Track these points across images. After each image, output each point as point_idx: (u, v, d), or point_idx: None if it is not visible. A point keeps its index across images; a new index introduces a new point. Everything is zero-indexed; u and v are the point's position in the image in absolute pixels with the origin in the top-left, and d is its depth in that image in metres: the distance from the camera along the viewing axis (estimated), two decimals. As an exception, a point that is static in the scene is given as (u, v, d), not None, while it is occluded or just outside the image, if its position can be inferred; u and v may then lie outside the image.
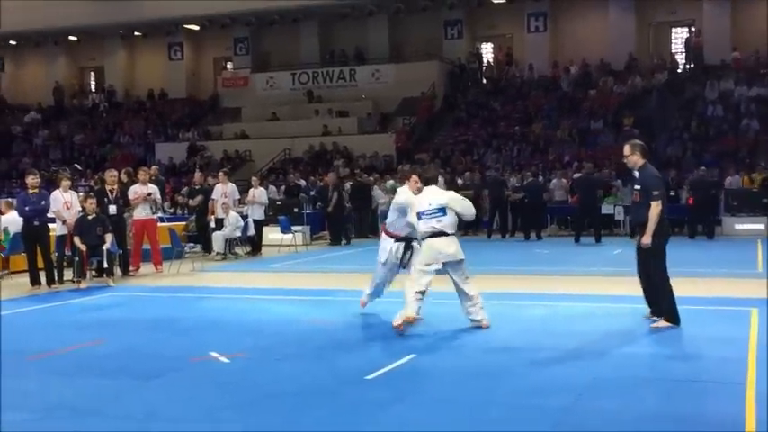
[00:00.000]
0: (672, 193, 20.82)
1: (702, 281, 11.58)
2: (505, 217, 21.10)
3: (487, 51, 34.51)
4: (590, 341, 7.86)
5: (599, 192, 20.31)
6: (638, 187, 8.64)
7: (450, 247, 8.43)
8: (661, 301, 8.48)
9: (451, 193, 8.99)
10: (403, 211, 8.84)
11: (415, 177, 8.85)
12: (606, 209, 20.86)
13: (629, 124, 26.91)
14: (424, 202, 8.49)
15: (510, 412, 5.56)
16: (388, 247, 9.10)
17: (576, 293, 10.96)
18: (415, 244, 8.95)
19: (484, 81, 33.30)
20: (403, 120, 31.32)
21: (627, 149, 8.77)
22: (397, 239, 9.08)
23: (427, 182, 8.73)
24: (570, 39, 31.91)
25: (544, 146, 27.71)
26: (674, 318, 8.35)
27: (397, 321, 8.29)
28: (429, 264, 8.38)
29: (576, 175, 21.25)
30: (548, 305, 10.10)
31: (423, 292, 8.41)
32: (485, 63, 33.98)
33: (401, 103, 31.97)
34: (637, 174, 8.68)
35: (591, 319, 9.09)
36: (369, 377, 6.49)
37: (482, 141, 28.93)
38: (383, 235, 9.34)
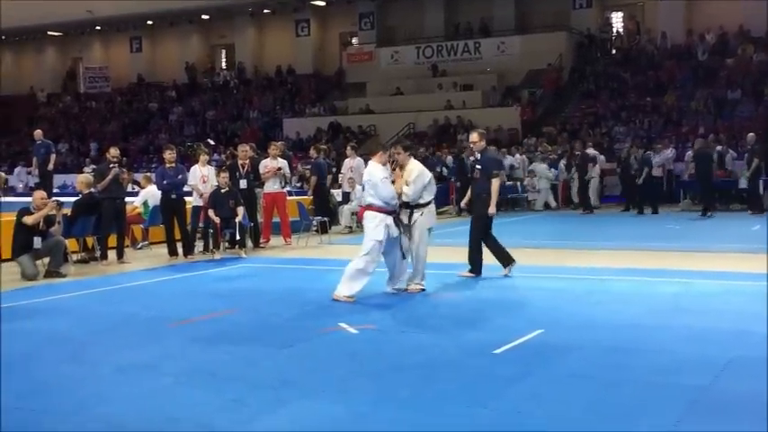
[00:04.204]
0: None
1: None
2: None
3: (617, 20, 33.43)
4: (726, 320, 7.58)
5: (714, 165, 19.93)
6: (479, 167, 10.30)
7: None
8: (472, 256, 10.30)
9: None
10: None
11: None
12: (743, 183, 20.05)
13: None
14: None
15: (643, 390, 5.42)
16: (383, 224, 9.02)
17: (710, 270, 10.58)
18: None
19: (613, 51, 32.32)
20: (528, 92, 30.82)
21: (475, 137, 10.45)
22: (386, 213, 9.11)
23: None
24: (706, 5, 30.48)
25: (677, 117, 26.73)
26: (477, 270, 10.27)
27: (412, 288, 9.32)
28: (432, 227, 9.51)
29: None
30: (680, 282, 9.80)
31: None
32: (614, 33, 32.96)
33: (527, 76, 31.46)
34: (479, 156, 10.41)
35: (726, 297, 8.77)
36: (496, 351, 6.47)
37: (611, 114, 28.16)
38: (370, 213, 9.13)
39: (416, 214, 9.33)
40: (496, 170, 10.33)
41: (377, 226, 9.01)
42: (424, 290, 9.37)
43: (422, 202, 9.36)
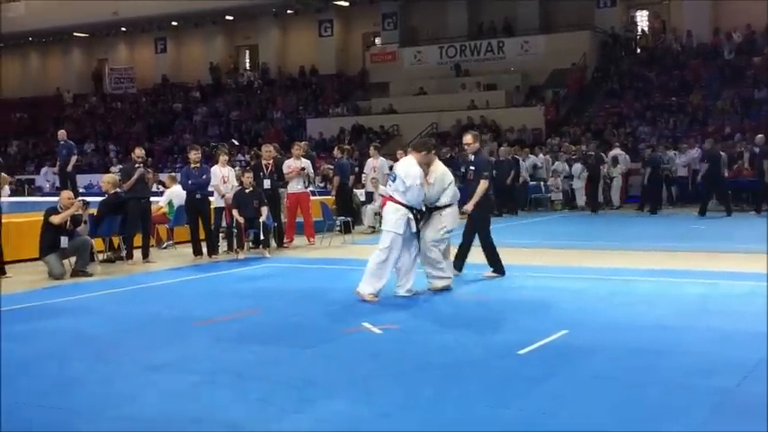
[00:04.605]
0: None
1: None
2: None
3: (642, 19, 33.22)
4: (754, 321, 7.49)
5: (724, 165, 19.91)
6: (473, 168, 10.41)
7: None
8: (490, 257, 10.36)
9: None
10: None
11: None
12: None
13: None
14: None
15: (668, 392, 5.39)
16: (405, 218, 8.89)
17: (736, 271, 10.48)
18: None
19: (638, 50, 32.10)
20: (552, 92, 30.69)
21: (469, 138, 10.59)
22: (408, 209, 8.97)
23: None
24: (733, 3, 30.20)
25: (703, 117, 26.51)
26: (500, 270, 10.32)
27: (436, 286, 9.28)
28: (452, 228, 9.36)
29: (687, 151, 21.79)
30: (706, 283, 9.73)
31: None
32: (639, 32, 32.74)
33: (551, 75, 31.33)
34: (472, 157, 10.54)
35: (753, 299, 8.65)
36: (521, 352, 6.44)
37: (636, 113, 27.97)
38: (393, 205, 8.98)
39: (436, 216, 9.29)
40: (486, 172, 10.40)
41: (398, 219, 8.91)
42: (449, 288, 9.34)
43: (439, 204, 9.30)
